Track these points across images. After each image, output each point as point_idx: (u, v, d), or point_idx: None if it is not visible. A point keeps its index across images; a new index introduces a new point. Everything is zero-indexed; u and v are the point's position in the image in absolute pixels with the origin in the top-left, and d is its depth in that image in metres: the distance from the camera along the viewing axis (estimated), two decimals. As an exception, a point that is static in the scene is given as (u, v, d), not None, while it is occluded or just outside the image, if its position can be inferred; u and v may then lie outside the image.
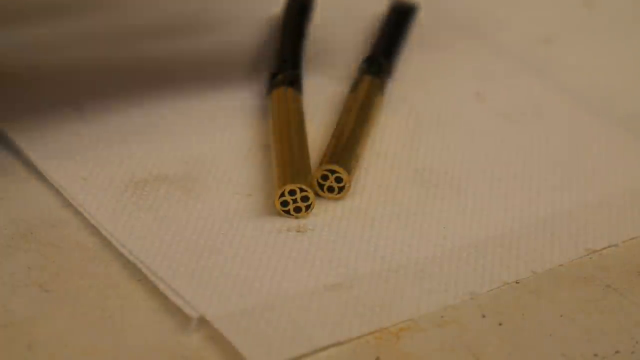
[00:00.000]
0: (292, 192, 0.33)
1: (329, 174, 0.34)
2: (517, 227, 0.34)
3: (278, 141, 0.36)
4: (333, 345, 0.29)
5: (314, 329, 0.30)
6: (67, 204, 0.34)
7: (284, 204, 0.33)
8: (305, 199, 0.33)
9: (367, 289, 0.31)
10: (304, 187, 0.33)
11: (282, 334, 0.29)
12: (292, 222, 0.34)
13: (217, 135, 0.38)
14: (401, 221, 0.34)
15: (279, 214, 0.34)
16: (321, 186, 0.34)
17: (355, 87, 0.39)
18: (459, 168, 0.37)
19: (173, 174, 0.35)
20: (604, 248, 0.33)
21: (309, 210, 0.34)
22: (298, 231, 0.33)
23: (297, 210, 0.34)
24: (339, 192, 0.34)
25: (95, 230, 0.33)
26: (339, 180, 0.34)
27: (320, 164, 0.34)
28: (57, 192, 0.34)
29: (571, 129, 0.37)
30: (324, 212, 0.34)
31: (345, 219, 0.34)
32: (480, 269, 0.32)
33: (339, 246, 0.33)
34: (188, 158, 0.36)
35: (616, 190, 0.36)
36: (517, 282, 0.32)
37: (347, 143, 0.35)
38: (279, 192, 0.33)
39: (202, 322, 0.30)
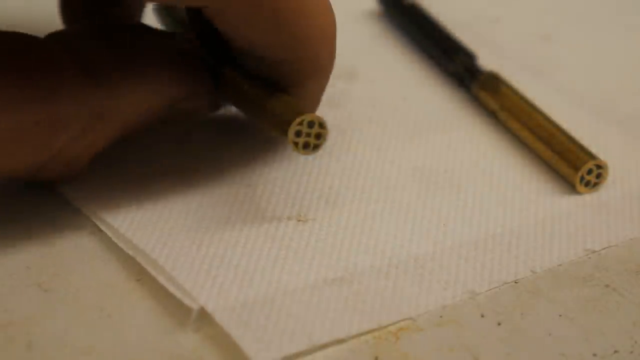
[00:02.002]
0: (310, 124, 0.32)
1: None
2: (517, 226, 0.34)
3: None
4: (332, 343, 0.29)
5: (313, 325, 0.30)
6: (66, 202, 0.34)
7: (298, 133, 0.32)
8: (318, 136, 0.32)
9: (367, 284, 0.31)
10: (322, 121, 0.32)
11: (282, 329, 0.29)
12: (292, 211, 0.34)
13: (216, 127, 0.38)
14: (401, 217, 0.34)
15: (291, 146, 0.32)
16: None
17: None
18: (458, 167, 0.37)
19: (173, 165, 0.35)
20: (604, 248, 0.33)
21: (318, 148, 0.32)
22: (299, 220, 0.33)
23: (306, 146, 0.32)
24: None
25: (94, 230, 0.33)
26: None
27: None
28: (57, 192, 0.34)
29: (570, 129, 0.37)
30: (325, 202, 0.34)
31: (346, 211, 0.34)
32: (479, 267, 0.32)
33: (340, 238, 0.33)
34: (187, 149, 0.36)
35: (615, 190, 0.36)
36: (516, 282, 0.32)
37: None
38: (297, 121, 0.31)
39: (201, 321, 0.30)
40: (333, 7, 0.33)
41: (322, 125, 0.32)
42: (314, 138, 0.32)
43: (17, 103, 0.30)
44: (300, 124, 0.31)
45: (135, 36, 0.34)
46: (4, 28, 0.31)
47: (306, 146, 0.32)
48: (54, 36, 0.33)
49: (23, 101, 0.30)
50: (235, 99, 0.35)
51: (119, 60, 0.32)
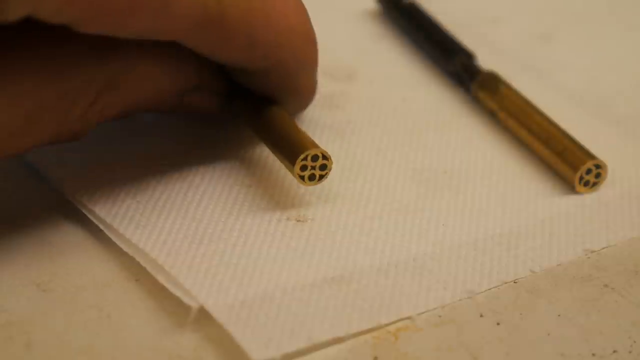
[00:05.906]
0: (314, 158, 0.33)
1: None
2: (516, 226, 0.34)
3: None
4: (331, 342, 0.29)
5: (313, 323, 0.30)
6: (65, 201, 0.34)
7: (303, 168, 0.33)
8: (323, 167, 0.33)
9: (367, 283, 0.31)
10: (326, 153, 0.33)
11: (281, 327, 0.29)
12: (292, 212, 0.34)
13: (217, 126, 0.38)
14: (400, 217, 0.34)
15: (296, 179, 0.33)
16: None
17: None
18: (457, 167, 0.37)
19: (173, 165, 0.35)
20: (603, 248, 0.33)
21: (323, 179, 0.33)
22: (298, 220, 0.33)
23: (312, 178, 0.33)
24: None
25: (93, 229, 0.33)
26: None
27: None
28: (55, 190, 0.34)
29: (570, 129, 0.37)
30: (324, 202, 0.34)
31: (345, 211, 0.34)
32: (478, 267, 0.32)
33: (339, 238, 0.33)
34: (188, 150, 0.36)
35: (614, 190, 0.36)
36: (515, 282, 0.32)
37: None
38: (302, 157, 0.33)
39: (200, 320, 0.30)
40: (332, 7, 0.33)
41: (325, 157, 0.33)
42: (318, 169, 0.33)
43: (41, 82, 0.30)
44: (305, 159, 0.33)
45: None
46: None
47: (312, 178, 0.33)
48: None
49: (46, 78, 0.30)
50: (248, 124, 0.36)
51: None
